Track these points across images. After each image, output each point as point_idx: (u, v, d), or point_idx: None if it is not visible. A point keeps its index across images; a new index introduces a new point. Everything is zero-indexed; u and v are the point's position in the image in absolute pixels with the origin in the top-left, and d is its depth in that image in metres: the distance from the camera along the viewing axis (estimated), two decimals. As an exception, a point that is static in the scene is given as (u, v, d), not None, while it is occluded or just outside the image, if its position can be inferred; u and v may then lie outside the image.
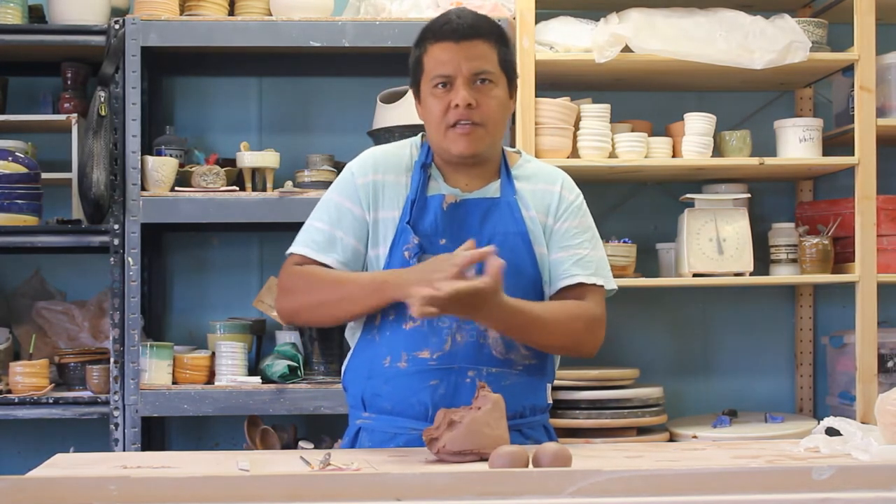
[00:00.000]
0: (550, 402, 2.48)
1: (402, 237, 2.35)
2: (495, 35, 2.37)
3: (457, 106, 2.32)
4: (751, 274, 3.63)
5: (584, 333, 2.39)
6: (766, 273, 3.75)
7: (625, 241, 3.62)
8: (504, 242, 2.35)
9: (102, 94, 3.38)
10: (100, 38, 3.46)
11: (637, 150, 3.59)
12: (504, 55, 2.38)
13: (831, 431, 2.23)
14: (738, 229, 3.64)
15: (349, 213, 2.39)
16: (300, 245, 2.42)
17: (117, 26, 3.40)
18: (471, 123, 2.33)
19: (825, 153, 3.70)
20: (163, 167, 3.43)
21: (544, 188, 2.44)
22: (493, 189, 2.41)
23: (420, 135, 2.51)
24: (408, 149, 2.47)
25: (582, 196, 2.49)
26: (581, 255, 2.41)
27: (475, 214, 2.38)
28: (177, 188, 3.45)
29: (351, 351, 2.47)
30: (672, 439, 3.57)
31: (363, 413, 2.42)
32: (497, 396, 2.14)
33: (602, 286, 2.43)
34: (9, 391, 3.45)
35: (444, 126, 2.34)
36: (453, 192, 2.39)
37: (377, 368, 2.37)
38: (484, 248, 2.21)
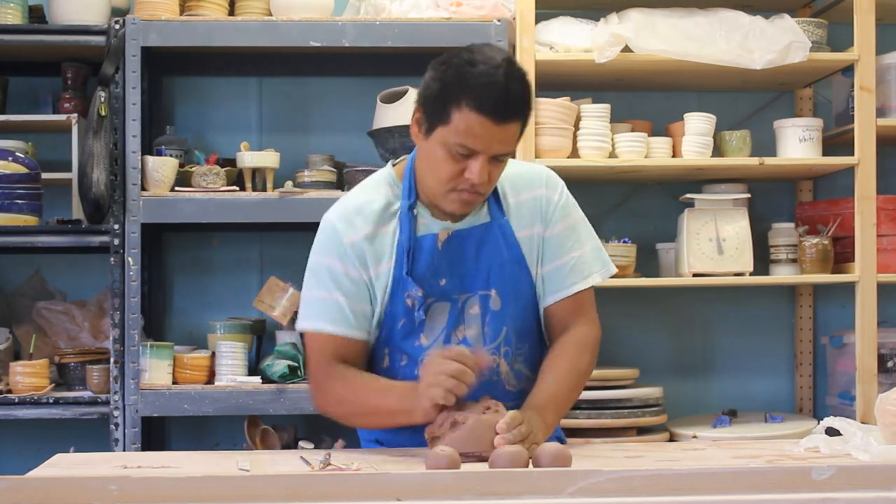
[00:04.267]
0: None
1: (402, 287, 2.27)
2: (529, 109, 2.24)
3: (468, 178, 2.20)
4: (751, 274, 3.64)
5: (591, 364, 2.40)
6: (766, 273, 3.75)
7: (625, 241, 3.62)
8: (502, 272, 2.31)
9: (102, 94, 3.38)
10: (100, 38, 3.46)
11: (637, 150, 3.59)
12: (527, 123, 2.26)
13: (831, 431, 2.23)
14: (738, 229, 3.64)
15: (344, 275, 2.29)
16: (314, 320, 2.31)
17: (117, 26, 3.40)
18: (476, 194, 2.25)
19: (825, 153, 3.70)
20: (163, 167, 3.43)
21: (533, 195, 2.37)
22: (483, 214, 2.33)
23: (390, 164, 2.40)
24: (383, 190, 2.34)
25: (566, 189, 2.41)
26: (574, 261, 2.36)
27: (469, 246, 2.31)
28: (177, 188, 3.45)
29: None
30: (672, 439, 3.57)
31: (376, 442, 2.41)
32: (501, 404, 2.15)
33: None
34: (9, 391, 3.45)
35: (449, 188, 2.23)
36: (444, 227, 2.31)
37: None
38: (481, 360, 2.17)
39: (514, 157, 2.35)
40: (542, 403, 2.25)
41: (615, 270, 2.47)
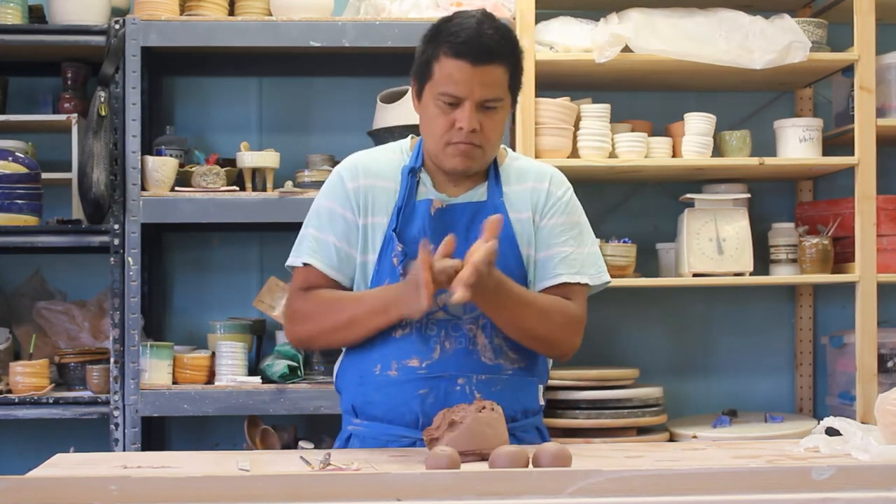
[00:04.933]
0: (543, 403, 2.47)
1: (390, 245, 2.35)
2: (512, 57, 2.32)
3: (461, 128, 2.29)
4: (751, 274, 3.63)
5: (563, 329, 2.38)
6: (766, 273, 3.75)
7: (625, 241, 3.62)
8: None
9: (102, 94, 3.38)
10: (100, 38, 3.46)
11: (637, 150, 3.59)
12: (515, 75, 2.34)
13: (831, 431, 2.23)
14: (738, 229, 3.64)
15: (341, 218, 2.39)
16: (300, 255, 2.41)
17: (117, 26, 3.40)
18: (471, 145, 2.31)
19: (825, 153, 3.70)
20: (163, 167, 3.43)
21: (533, 186, 2.43)
22: (481, 192, 2.40)
23: (409, 137, 2.50)
24: (396, 153, 2.45)
25: (571, 190, 2.47)
26: (566, 254, 2.40)
27: (462, 219, 2.37)
28: (177, 188, 3.45)
29: (342, 355, 2.47)
30: (672, 439, 3.57)
31: (354, 419, 2.42)
32: (496, 404, 2.15)
33: (586, 284, 2.42)
34: (9, 391, 3.45)
35: (444, 142, 2.32)
36: (440, 197, 2.38)
37: (368, 376, 2.37)
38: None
39: (513, 105, 2.39)
40: (507, 280, 2.28)
41: (609, 280, 2.49)
